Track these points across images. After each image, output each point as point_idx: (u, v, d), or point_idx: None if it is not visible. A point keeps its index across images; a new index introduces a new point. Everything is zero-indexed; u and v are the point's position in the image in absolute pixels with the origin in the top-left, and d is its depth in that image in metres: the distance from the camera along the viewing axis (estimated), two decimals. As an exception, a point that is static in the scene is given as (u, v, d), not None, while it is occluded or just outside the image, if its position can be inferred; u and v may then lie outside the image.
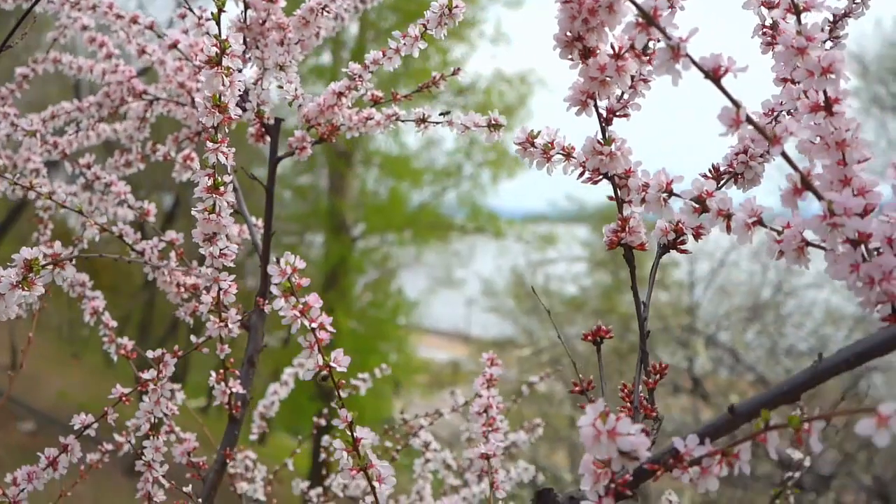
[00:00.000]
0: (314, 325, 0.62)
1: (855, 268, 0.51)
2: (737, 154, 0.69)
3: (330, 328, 0.63)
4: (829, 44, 0.73)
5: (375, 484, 0.65)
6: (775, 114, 0.70)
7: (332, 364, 0.63)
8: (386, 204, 11.80)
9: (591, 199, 11.28)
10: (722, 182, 0.69)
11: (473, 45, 11.07)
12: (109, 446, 1.14)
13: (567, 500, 0.58)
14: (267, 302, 0.98)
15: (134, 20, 1.11)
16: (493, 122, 0.86)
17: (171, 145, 1.20)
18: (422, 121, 0.96)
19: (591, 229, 11.36)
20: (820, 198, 0.51)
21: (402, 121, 0.97)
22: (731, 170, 0.69)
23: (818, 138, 0.55)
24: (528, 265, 9.41)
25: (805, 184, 0.52)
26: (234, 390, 0.97)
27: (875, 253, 0.52)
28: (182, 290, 1.02)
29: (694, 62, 0.51)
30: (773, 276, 7.64)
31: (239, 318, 0.91)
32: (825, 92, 0.54)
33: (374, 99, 1.00)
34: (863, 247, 0.53)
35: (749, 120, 0.51)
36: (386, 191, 12.16)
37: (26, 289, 0.68)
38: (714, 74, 0.51)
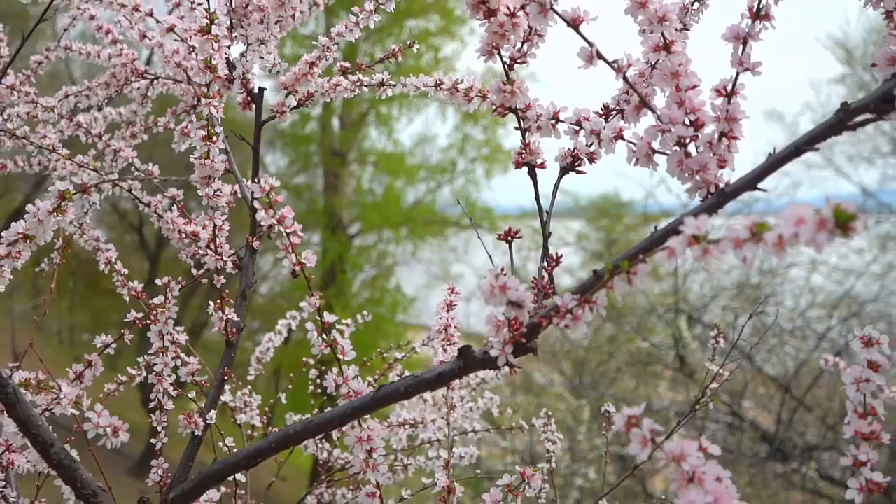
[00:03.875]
0: (289, 230, 0.80)
1: (680, 163, 0.69)
2: (622, 94, 0.87)
3: (301, 234, 0.81)
4: (697, 4, 0.91)
5: (340, 356, 0.83)
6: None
7: (304, 261, 0.81)
8: (381, 201, 11.98)
9: (585, 192, 11.49)
10: (611, 117, 0.87)
11: (464, 42, 11.27)
12: (123, 378, 1.32)
13: (482, 353, 0.76)
14: (257, 240, 1.16)
15: (136, 8, 1.29)
16: (438, 82, 1.03)
17: (170, 117, 1.38)
18: (381, 84, 1.14)
19: (585, 222, 11.54)
20: (654, 112, 0.69)
21: (365, 86, 1.15)
22: (617, 107, 0.87)
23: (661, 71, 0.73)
24: (519, 254, 9.57)
25: (643, 102, 0.70)
26: (230, 318, 1.15)
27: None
28: (183, 236, 1.20)
29: (558, 14, 0.69)
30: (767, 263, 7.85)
31: (232, 252, 1.09)
32: (663, 35, 0.72)
33: (343, 69, 1.18)
34: (693, 148, 0.71)
35: (599, 55, 0.69)
36: (381, 188, 12.33)
37: (60, 215, 0.86)
38: (574, 23, 0.69)
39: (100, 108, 1.53)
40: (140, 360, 1.30)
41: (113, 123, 1.54)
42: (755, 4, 0.70)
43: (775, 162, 0.64)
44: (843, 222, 0.45)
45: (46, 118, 1.32)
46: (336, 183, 11.56)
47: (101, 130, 1.32)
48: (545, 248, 0.82)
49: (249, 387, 1.53)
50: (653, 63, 0.74)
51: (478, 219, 11.69)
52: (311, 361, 1.64)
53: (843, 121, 0.63)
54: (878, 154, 9.20)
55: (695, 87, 0.72)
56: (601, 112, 0.87)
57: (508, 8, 0.75)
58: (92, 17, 1.39)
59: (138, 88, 1.39)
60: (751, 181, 0.65)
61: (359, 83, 1.15)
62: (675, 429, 1.27)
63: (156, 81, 1.38)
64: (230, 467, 0.79)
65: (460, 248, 12.59)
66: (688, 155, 0.69)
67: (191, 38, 1.19)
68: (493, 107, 0.80)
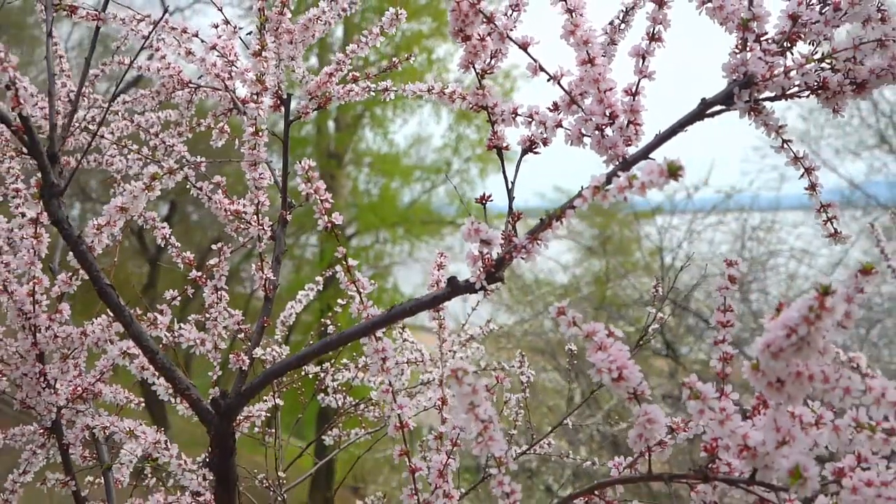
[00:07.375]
0: (322, 197, 1.10)
1: (599, 142, 0.99)
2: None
3: (330, 200, 1.11)
4: (623, 25, 1.21)
5: (361, 290, 1.13)
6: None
7: (333, 220, 1.11)
8: (377, 202, 12.28)
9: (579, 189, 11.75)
10: (558, 111, 1.17)
11: (457, 43, 11.55)
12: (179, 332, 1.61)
13: (464, 281, 1.05)
14: (289, 213, 1.45)
15: (184, 30, 1.58)
16: (430, 87, 1.33)
17: (211, 119, 1.67)
18: (386, 90, 1.44)
19: (578, 219, 11.85)
20: (580, 107, 1.00)
21: (374, 91, 1.45)
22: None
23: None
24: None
25: (572, 100, 1.00)
26: (268, 276, 1.45)
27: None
28: (227, 213, 1.50)
29: (511, 39, 0.99)
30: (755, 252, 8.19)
31: (271, 223, 1.39)
32: (587, 52, 1.02)
33: (353, 78, 1.48)
34: (609, 131, 1.01)
35: (541, 68, 0.99)
36: (377, 189, 12.63)
37: (150, 191, 1.16)
38: (523, 46, 0.99)
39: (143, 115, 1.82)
40: (190, 318, 1.60)
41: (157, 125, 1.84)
42: (651, 31, 1.00)
43: (659, 140, 0.94)
44: (673, 171, 0.76)
45: (112, 120, 1.62)
46: (332, 184, 11.85)
47: (157, 130, 1.62)
48: (510, 208, 1.12)
49: (280, 341, 1.83)
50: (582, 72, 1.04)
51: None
52: (329, 322, 1.94)
53: (702, 111, 0.93)
54: (864, 147, 9.50)
55: (611, 89, 1.02)
56: (551, 108, 1.18)
57: (479, 35, 1.05)
58: (145, 38, 1.69)
59: (182, 96, 1.68)
60: (643, 153, 0.95)
61: (367, 89, 1.45)
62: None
63: (198, 90, 1.68)
64: (285, 366, 1.08)
65: (456, 247, 12.86)
66: (604, 136, 0.99)
67: (229, 53, 1.49)
68: (471, 105, 1.10)
